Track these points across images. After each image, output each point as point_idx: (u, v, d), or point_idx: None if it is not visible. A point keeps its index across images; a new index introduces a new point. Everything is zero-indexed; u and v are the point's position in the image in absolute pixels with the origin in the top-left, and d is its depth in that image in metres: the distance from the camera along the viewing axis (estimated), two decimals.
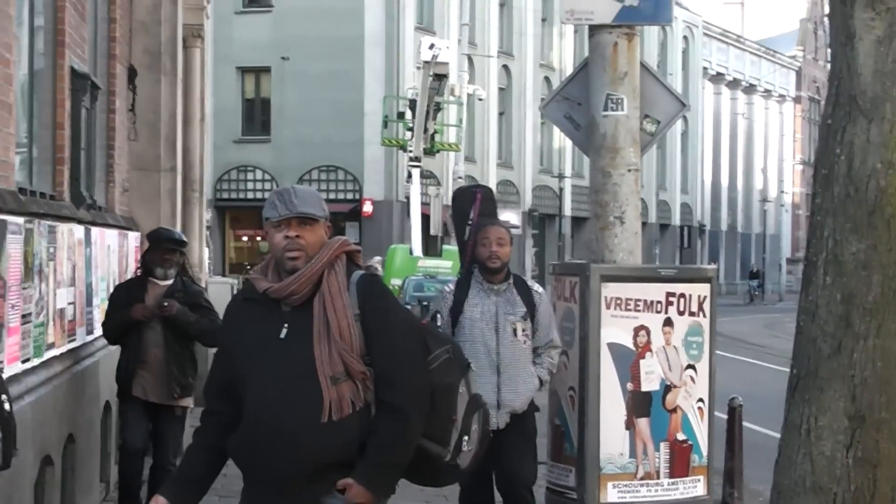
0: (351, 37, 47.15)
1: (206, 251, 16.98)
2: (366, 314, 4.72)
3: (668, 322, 8.32)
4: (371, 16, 47.64)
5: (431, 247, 35.16)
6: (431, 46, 33.90)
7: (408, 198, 37.92)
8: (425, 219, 35.76)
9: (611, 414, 8.22)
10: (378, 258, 32.36)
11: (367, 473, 4.66)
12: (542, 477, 8.67)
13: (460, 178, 43.49)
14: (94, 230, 9.59)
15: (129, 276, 11.61)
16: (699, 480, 8.55)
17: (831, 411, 5.53)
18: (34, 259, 7.41)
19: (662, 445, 8.38)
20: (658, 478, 8.37)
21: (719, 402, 9.05)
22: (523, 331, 7.83)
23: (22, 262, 7.08)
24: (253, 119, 50.54)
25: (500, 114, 56.31)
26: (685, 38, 71.41)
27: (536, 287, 8.08)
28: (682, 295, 8.37)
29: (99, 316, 9.80)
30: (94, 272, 9.57)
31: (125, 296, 9.14)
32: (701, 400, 8.56)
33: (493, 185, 54.20)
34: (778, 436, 5.84)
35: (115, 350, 10.45)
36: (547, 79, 58.90)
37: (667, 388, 8.39)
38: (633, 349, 8.27)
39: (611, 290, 8.18)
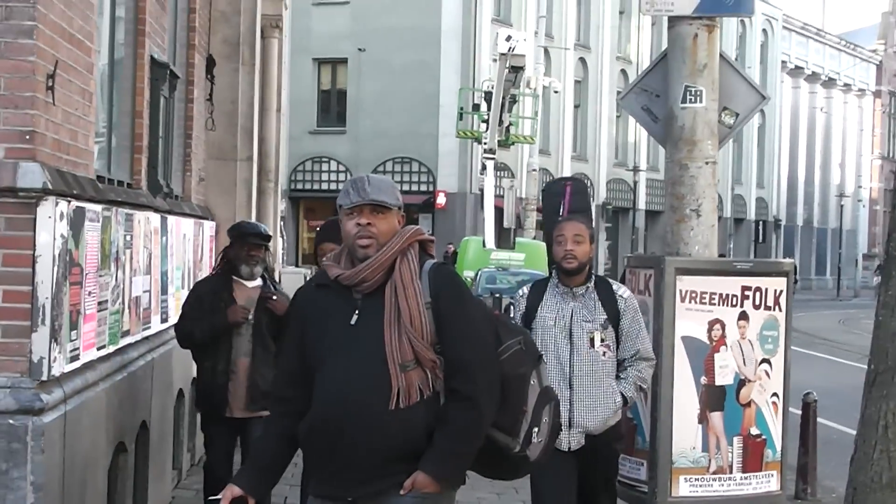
0: (428, 28, 47.19)
1: (279, 242, 17.07)
2: (438, 302, 4.72)
3: (743, 316, 8.26)
4: (448, 8, 47.65)
5: (504, 239, 35.11)
6: (508, 38, 33.83)
7: (481, 190, 37.89)
8: (498, 211, 35.72)
9: (684, 408, 8.17)
10: (451, 246, 32.41)
11: (435, 462, 4.66)
12: None
13: (534, 170, 43.42)
14: (171, 219, 9.66)
15: (205, 267, 11.69)
16: (772, 475, 8.49)
17: None
18: (111, 247, 7.48)
19: (735, 440, 8.33)
20: (731, 472, 8.32)
21: (793, 398, 8.97)
22: (602, 341, 7.01)
23: (99, 250, 7.15)
24: (329, 110, 50.73)
25: (576, 106, 56.13)
26: (764, 31, 70.80)
27: (622, 291, 7.17)
28: (758, 289, 8.30)
29: (174, 304, 9.87)
30: (169, 261, 9.64)
31: (211, 297, 8.29)
32: (775, 395, 8.49)
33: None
34: (852, 432, 5.78)
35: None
36: (623, 71, 58.64)
37: (741, 383, 8.33)
38: (708, 343, 8.21)
39: (686, 283, 8.13)
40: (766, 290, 8.36)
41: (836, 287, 72.83)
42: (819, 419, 11.25)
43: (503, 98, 35.41)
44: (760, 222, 69.72)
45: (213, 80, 12.16)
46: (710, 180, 8.32)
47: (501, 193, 37.04)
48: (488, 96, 36.76)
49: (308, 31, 47.43)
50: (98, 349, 7.22)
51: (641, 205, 59.74)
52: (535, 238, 39.74)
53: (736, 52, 63.71)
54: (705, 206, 8.34)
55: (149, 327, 8.85)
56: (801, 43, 75.95)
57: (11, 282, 6.12)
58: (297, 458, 5.02)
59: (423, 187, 48.09)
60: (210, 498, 4.81)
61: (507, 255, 32.81)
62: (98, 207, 7.08)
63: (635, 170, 58.03)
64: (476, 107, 40.54)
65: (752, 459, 8.40)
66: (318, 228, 8.12)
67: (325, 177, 49.85)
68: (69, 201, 6.42)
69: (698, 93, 8.19)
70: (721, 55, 8.38)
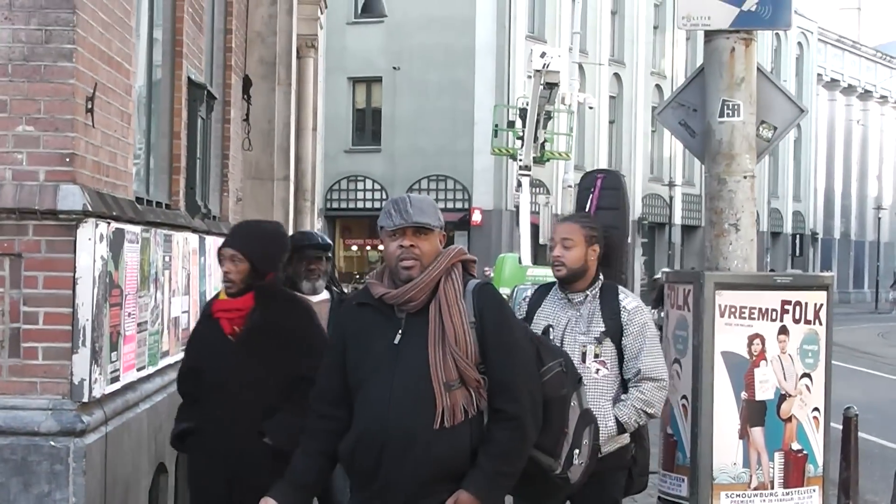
0: (462, 46, 47.25)
1: None
2: (482, 322, 4.72)
3: (783, 330, 8.21)
4: (482, 25, 47.69)
5: (540, 256, 35.03)
6: (543, 55, 33.79)
7: (517, 207, 37.81)
8: (534, 228, 35.66)
9: (724, 423, 8.12)
10: (488, 269, 32.37)
11: (478, 482, 4.64)
12: (654, 486, 8.61)
13: (570, 186, 43.33)
14: (209, 239, 9.69)
15: None
16: (814, 491, 8.42)
17: None
18: (150, 268, 7.51)
19: (777, 455, 8.26)
20: (772, 488, 8.25)
21: (834, 412, 8.91)
22: (596, 356, 6.30)
23: (138, 271, 7.18)
24: (364, 129, 50.82)
25: (611, 122, 56.05)
26: (799, 43, 70.57)
27: (628, 301, 6.50)
28: (798, 303, 8.25)
29: None
30: (207, 281, 9.68)
31: None
32: (816, 409, 8.43)
33: None
34: (894, 446, 5.75)
35: None
36: (658, 87, 58.54)
37: (781, 398, 8.27)
38: (748, 358, 8.16)
39: (725, 297, 8.08)
40: (806, 304, 8.30)
41: (875, 300, 72.40)
42: (860, 433, 11.17)
43: (538, 114, 35.35)
44: (797, 236, 69.40)
45: (249, 100, 12.21)
46: (749, 194, 8.27)
47: (537, 210, 36.98)
48: (523, 113, 36.72)
49: (343, 50, 47.57)
50: (138, 370, 7.25)
51: (677, 220, 59.57)
52: None
53: (771, 66, 63.52)
54: (744, 220, 8.29)
55: None
56: (836, 55, 75.64)
57: (52, 304, 6.16)
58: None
59: (459, 205, 48.09)
60: None
61: (544, 271, 32.70)
62: (137, 229, 7.11)
63: (671, 185, 57.89)
64: (511, 124, 40.52)
65: (794, 475, 8.33)
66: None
67: (360, 195, 49.92)
68: (109, 223, 6.46)
69: (736, 107, 8.16)
70: (758, 68, 8.34)
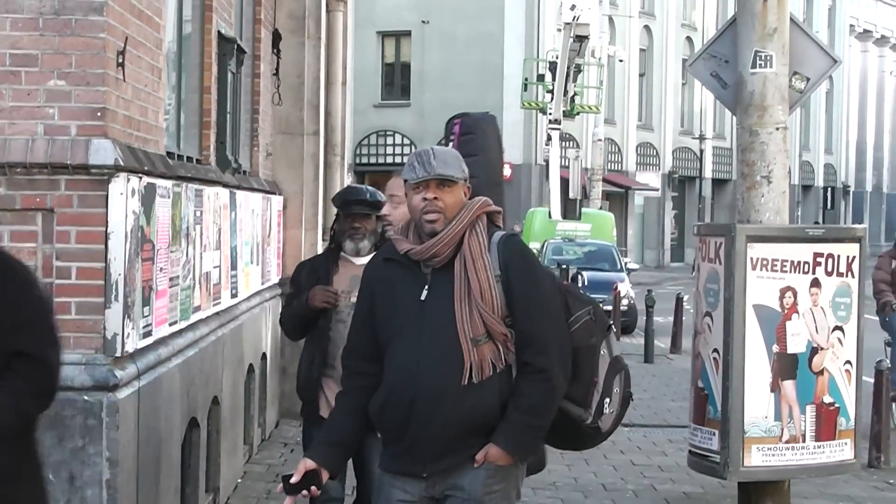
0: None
1: None
2: (508, 275, 4.69)
3: (815, 283, 8.19)
4: None
5: (570, 210, 35.01)
6: (573, 7, 33.69)
7: (547, 161, 37.80)
8: (564, 182, 35.61)
9: (756, 376, 8.11)
10: (517, 225, 32.33)
11: (508, 435, 4.64)
12: (685, 440, 8.61)
13: (599, 140, 43.25)
14: (239, 194, 9.70)
15: (272, 241, 11.74)
16: (846, 444, 8.42)
17: None
18: (181, 223, 7.52)
19: (808, 408, 8.26)
20: (804, 441, 8.26)
21: (866, 366, 8.89)
22: None
23: (170, 226, 7.19)
24: (393, 83, 50.77)
25: (641, 75, 55.81)
26: None
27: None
28: (830, 255, 8.23)
29: (244, 280, 9.93)
30: (238, 236, 9.69)
31: (307, 277, 7.02)
32: (848, 362, 8.41)
33: (632, 147, 54.03)
34: None
35: (260, 312, 10.60)
36: (689, 39, 58.22)
37: (813, 351, 8.26)
38: (780, 311, 8.15)
39: (757, 250, 8.06)
40: (839, 256, 8.28)
41: None
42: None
43: (568, 68, 35.28)
44: (829, 189, 69.12)
45: (279, 54, 12.19)
46: (781, 146, 8.23)
47: (567, 164, 36.92)
48: (553, 66, 36.66)
49: (372, 3, 47.42)
50: (170, 325, 7.27)
51: (708, 173, 59.36)
52: (601, 208, 39.62)
53: (803, 17, 63.06)
54: (776, 172, 8.25)
55: (219, 303, 8.89)
56: (869, 5, 75.01)
57: (85, 259, 6.17)
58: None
59: None
60: (284, 475, 4.79)
61: (574, 225, 32.73)
62: (168, 183, 7.12)
63: (701, 138, 57.64)
64: (541, 77, 40.44)
65: (826, 428, 8.33)
66: None
67: (389, 150, 49.94)
68: (140, 178, 6.47)
69: (768, 58, 8.10)
70: (791, 19, 8.28)
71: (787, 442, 8.20)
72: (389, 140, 50.03)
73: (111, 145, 6.16)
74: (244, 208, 9.93)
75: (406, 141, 49.09)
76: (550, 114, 36.22)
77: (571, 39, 34.08)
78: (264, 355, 11.27)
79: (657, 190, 55.91)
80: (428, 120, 48.21)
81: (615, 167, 52.89)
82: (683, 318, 20.81)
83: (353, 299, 5.94)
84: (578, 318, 4.86)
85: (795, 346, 8.20)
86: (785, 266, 8.11)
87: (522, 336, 4.67)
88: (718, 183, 60.53)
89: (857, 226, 10.07)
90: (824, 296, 8.23)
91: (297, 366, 7.13)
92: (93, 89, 6.21)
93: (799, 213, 65.31)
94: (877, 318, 12.88)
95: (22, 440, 4.52)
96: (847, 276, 8.32)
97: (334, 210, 7.18)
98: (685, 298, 22.04)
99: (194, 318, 7.97)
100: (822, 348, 8.27)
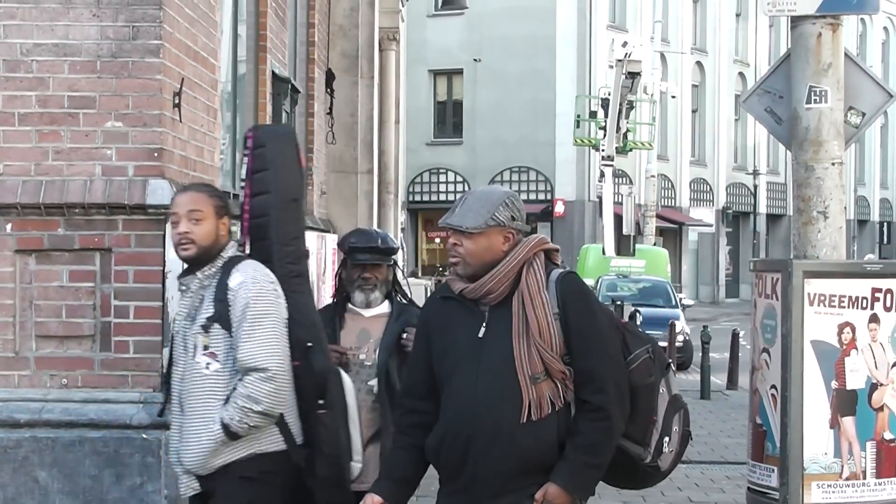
0: (543, 37, 47.16)
1: (400, 253, 17.14)
2: (566, 312, 4.67)
3: (873, 318, 8.10)
4: (563, 15, 47.56)
5: (624, 246, 34.94)
6: (624, 44, 33.69)
7: (600, 197, 37.74)
8: (617, 218, 35.55)
9: (814, 412, 8.03)
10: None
11: (566, 474, 4.61)
12: (743, 476, 8.55)
13: (653, 176, 43.15)
14: None
15: (328, 280, 11.76)
16: None
17: None
18: None
19: (868, 445, 8.16)
20: (864, 478, 8.16)
21: None
22: (206, 348, 5.15)
23: None
24: (445, 121, 50.88)
25: (694, 111, 55.68)
26: (885, 28, 69.67)
27: (235, 276, 5.21)
28: (889, 291, 8.14)
29: None
30: None
31: None
32: None
33: (685, 183, 53.90)
34: None
35: None
36: (741, 74, 58.09)
37: (873, 387, 8.16)
38: (838, 347, 8.06)
39: (814, 286, 7.99)
40: None
41: None
42: None
43: (620, 104, 35.25)
44: (885, 223, 68.55)
45: (332, 93, 12.26)
46: (837, 181, 8.17)
47: (620, 200, 36.86)
48: (605, 103, 36.63)
49: (424, 42, 47.63)
50: None
51: (762, 209, 59.07)
52: (654, 244, 39.49)
53: (857, 51, 62.79)
54: (832, 207, 8.19)
55: None
56: None
57: (142, 298, 6.22)
58: None
59: (541, 196, 48.02)
60: None
61: (628, 262, 32.64)
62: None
63: (755, 173, 57.39)
64: (593, 114, 40.43)
65: (887, 464, 8.23)
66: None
67: (442, 188, 50.00)
68: None
69: (823, 93, 8.06)
70: (846, 54, 8.24)
71: (847, 479, 8.11)
72: (442, 178, 50.12)
73: (168, 185, 6.22)
74: None
75: (459, 178, 49.17)
76: (603, 150, 36.18)
77: (624, 76, 34.06)
78: None
79: (711, 226, 55.69)
80: (480, 157, 48.29)
81: (669, 203, 52.74)
82: (740, 353, 20.67)
83: (363, 356, 6.03)
84: (637, 357, 4.83)
85: (854, 382, 8.11)
86: (843, 302, 8.04)
87: (581, 374, 4.65)
88: (773, 218, 60.22)
89: None
90: (883, 331, 8.15)
91: None
92: (149, 130, 6.27)
93: (855, 248, 64.84)
94: None
95: None
96: None
97: None
98: (741, 334, 21.90)
99: None
100: (881, 384, 8.18)
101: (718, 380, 20.90)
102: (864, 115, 8.37)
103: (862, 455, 8.13)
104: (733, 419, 16.10)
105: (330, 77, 12.30)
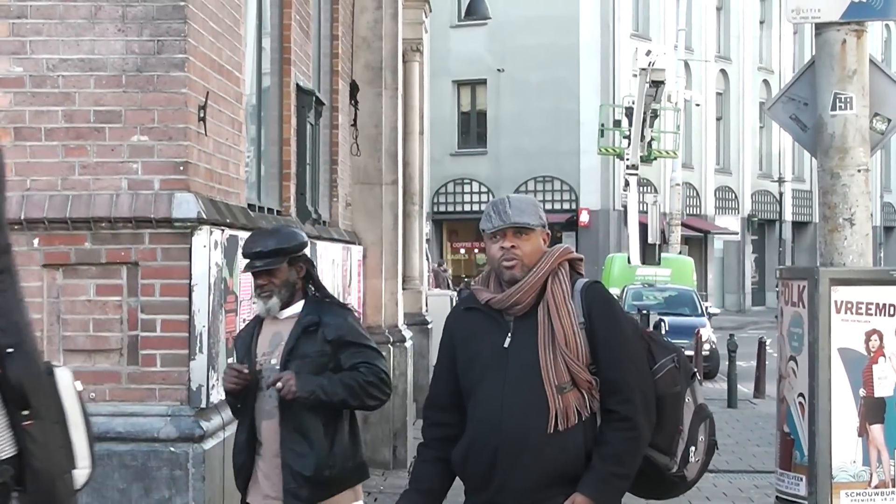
0: (566, 46, 47.15)
1: (425, 264, 17.14)
2: (592, 322, 4.67)
3: None
4: (586, 25, 47.55)
5: (649, 255, 34.85)
6: (648, 53, 33.64)
7: (625, 206, 37.68)
8: (643, 227, 35.48)
9: (842, 421, 8.00)
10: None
11: (593, 484, 4.60)
12: (771, 485, 8.51)
13: (677, 184, 43.07)
14: (320, 244, 9.75)
15: (353, 292, 11.77)
16: None
17: None
18: None
19: None
20: (893, 486, 8.12)
21: None
22: None
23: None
24: (469, 131, 50.90)
25: (718, 119, 55.58)
26: None
27: None
28: None
29: None
30: None
31: (239, 346, 5.98)
32: None
33: (710, 191, 53.77)
34: None
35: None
36: (766, 82, 57.96)
37: None
38: (866, 354, 8.03)
39: (841, 293, 7.96)
40: None
41: None
42: None
43: (644, 113, 35.19)
44: None
45: (356, 105, 12.28)
46: (864, 188, 8.15)
47: (645, 209, 36.79)
48: (629, 112, 36.57)
49: (447, 53, 47.68)
50: None
51: (788, 216, 58.88)
52: (680, 253, 39.41)
53: (882, 57, 62.56)
54: (859, 214, 8.17)
55: None
56: None
57: (169, 311, 6.24)
58: None
59: (566, 205, 47.98)
60: None
61: (653, 270, 32.56)
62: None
63: (780, 181, 57.23)
64: (617, 123, 40.38)
65: None
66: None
67: (467, 198, 50.01)
68: (223, 230, 6.53)
69: (848, 99, 8.04)
70: (871, 60, 8.22)
71: (876, 487, 8.07)
72: (467, 188, 50.12)
73: (194, 198, 6.24)
74: (324, 258, 9.99)
75: (483, 188, 49.17)
76: (627, 159, 36.12)
77: (647, 85, 34.01)
78: None
79: (737, 234, 55.55)
80: (504, 167, 48.29)
81: (694, 211, 52.63)
82: (767, 362, 20.61)
83: (274, 360, 5.74)
84: (663, 366, 4.82)
85: (883, 389, 8.08)
86: (870, 309, 8.01)
87: (607, 384, 4.64)
88: (799, 226, 60.02)
89: None
90: None
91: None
92: (175, 144, 6.30)
93: (881, 255, 64.56)
94: None
95: None
96: None
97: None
98: (768, 342, 21.85)
99: None
100: None
101: (745, 388, 20.84)
102: (889, 121, 8.35)
103: (891, 463, 8.09)
104: (761, 428, 16.06)
105: (354, 89, 12.32)
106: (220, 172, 6.93)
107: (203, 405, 6.23)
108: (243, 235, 6.98)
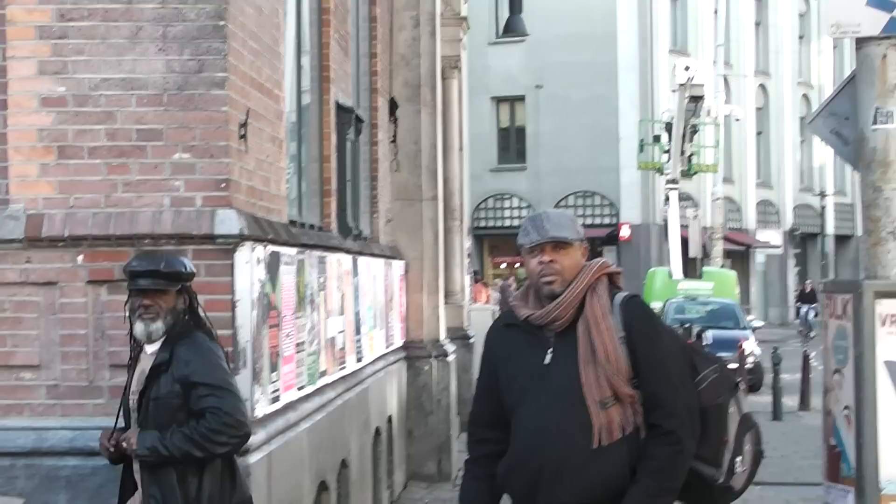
0: (604, 62, 47.12)
1: (466, 279, 17.15)
2: (632, 336, 4.64)
3: None
4: (624, 41, 47.50)
5: (691, 269, 34.73)
6: (687, 69, 33.58)
7: (665, 221, 37.57)
8: (684, 241, 35.36)
9: (889, 433, 7.94)
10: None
11: (639, 499, 4.57)
12: (818, 498, 8.46)
13: (718, 199, 42.92)
14: (361, 260, 9.78)
15: (395, 307, 11.79)
16: None
17: None
18: (306, 289, 7.61)
19: None
20: None
21: None
22: None
23: (295, 293, 7.27)
24: (508, 147, 50.90)
25: (758, 133, 55.37)
26: None
27: None
28: None
29: (368, 344, 9.98)
30: (361, 301, 9.76)
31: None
32: None
33: (752, 205, 53.58)
34: None
35: (385, 375, 10.67)
36: (805, 96, 57.73)
37: None
38: None
39: (885, 306, 7.92)
40: None
41: None
42: None
43: (684, 128, 35.12)
44: None
45: (396, 122, 12.32)
46: None
47: (686, 224, 36.68)
48: (668, 127, 36.52)
49: (485, 69, 47.69)
50: (298, 390, 7.34)
51: (830, 230, 58.56)
52: (722, 267, 39.25)
53: None
54: None
55: (345, 367, 8.96)
56: None
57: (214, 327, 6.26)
58: None
59: (606, 220, 47.89)
60: None
61: (695, 284, 32.45)
62: (292, 251, 7.21)
63: (822, 195, 56.94)
64: (657, 138, 40.30)
65: None
66: None
67: (507, 213, 49.99)
68: (265, 246, 6.56)
69: (889, 113, 7.99)
70: None
71: None
72: (507, 203, 50.12)
73: (236, 215, 6.26)
74: (366, 274, 10.01)
75: (523, 203, 49.15)
76: (668, 174, 36.04)
77: (686, 100, 33.95)
78: (390, 418, 11.31)
79: (779, 247, 55.29)
80: (544, 182, 48.25)
81: (735, 225, 52.43)
82: (811, 375, 20.51)
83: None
84: (705, 378, 4.80)
85: None
86: None
87: (649, 398, 4.61)
88: (841, 239, 59.68)
89: None
90: None
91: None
92: (217, 161, 6.33)
93: None
94: None
95: None
96: None
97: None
98: (812, 355, 21.74)
99: (320, 382, 8.03)
100: None
101: (790, 401, 20.74)
102: None
103: None
104: (807, 440, 15.97)
105: (393, 106, 12.36)
106: (262, 189, 6.96)
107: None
108: (285, 251, 7.01)
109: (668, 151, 36.51)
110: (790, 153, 56.81)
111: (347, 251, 9.19)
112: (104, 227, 6.29)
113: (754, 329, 29.25)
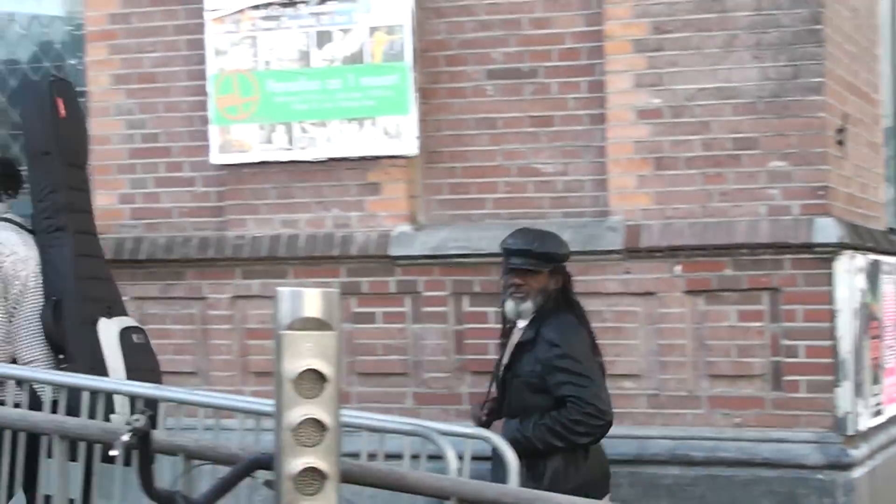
0: None
1: None
2: None
3: None
4: None
5: None
6: None
7: None
8: None
9: None
10: None
11: None
12: None
13: None
14: None
15: None
16: None
17: None
18: None
19: None
20: None
21: None
22: None
23: (895, 303, 7.04)
24: None
25: None
26: None
27: None
28: None
29: None
30: None
31: None
32: None
33: None
34: None
35: None
36: None
37: None
38: None
39: None
40: None
41: None
42: None
43: None
44: None
45: None
46: None
47: None
48: None
49: None
50: None
51: None
52: None
53: None
54: None
55: None
56: None
57: (812, 337, 6.17)
58: None
59: None
60: None
61: None
62: (893, 259, 6.99)
63: None
64: None
65: None
66: None
67: None
68: (864, 254, 6.39)
69: None
70: None
71: None
72: None
73: (834, 223, 6.15)
74: None
75: None
76: None
77: None
78: None
79: None
80: None
81: None
82: None
83: None
84: None
85: None
86: None
87: None
88: None
89: None
90: None
91: None
92: (813, 168, 6.23)
93: None
94: None
95: None
96: None
97: None
98: None
99: None
100: None
101: None
102: None
103: None
104: None
105: None
106: (859, 196, 6.79)
107: (850, 432, 6.10)
108: (886, 259, 6.81)
109: None
110: None
111: None
112: (701, 237, 6.32)
113: None
